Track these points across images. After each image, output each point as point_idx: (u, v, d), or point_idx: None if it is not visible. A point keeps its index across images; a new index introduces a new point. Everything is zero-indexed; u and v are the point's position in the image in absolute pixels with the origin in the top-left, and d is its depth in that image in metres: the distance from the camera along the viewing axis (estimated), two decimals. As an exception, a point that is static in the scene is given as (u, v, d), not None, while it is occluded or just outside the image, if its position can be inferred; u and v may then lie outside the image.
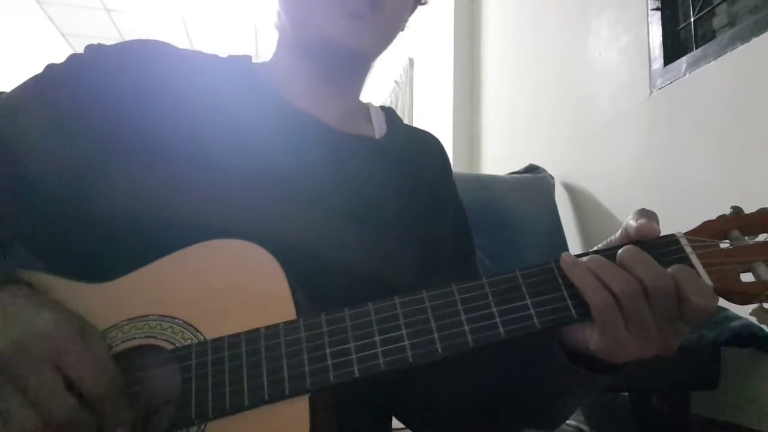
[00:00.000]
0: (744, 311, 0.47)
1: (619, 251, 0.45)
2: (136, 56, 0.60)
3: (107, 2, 4.41)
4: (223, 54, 0.69)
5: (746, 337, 1.20)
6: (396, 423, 0.65)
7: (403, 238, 0.62)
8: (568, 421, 1.78)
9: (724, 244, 0.48)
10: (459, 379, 0.58)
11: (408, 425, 0.64)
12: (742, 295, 0.46)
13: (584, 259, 0.46)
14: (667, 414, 1.33)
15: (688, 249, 0.47)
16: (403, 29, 0.68)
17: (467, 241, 0.72)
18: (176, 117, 0.57)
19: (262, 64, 0.68)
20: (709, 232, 0.49)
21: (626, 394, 1.42)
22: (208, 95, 0.60)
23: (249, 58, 0.68)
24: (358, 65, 0.66)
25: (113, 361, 0.43)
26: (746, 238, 0.49)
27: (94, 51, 0.60)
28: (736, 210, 0.50)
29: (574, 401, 0.54)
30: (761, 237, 0.49)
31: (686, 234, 0.49)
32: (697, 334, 1.21)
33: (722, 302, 1.30)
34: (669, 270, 0.44)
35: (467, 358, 0.57)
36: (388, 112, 0.74)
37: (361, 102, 0.73)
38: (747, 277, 0.47)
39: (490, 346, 0.45)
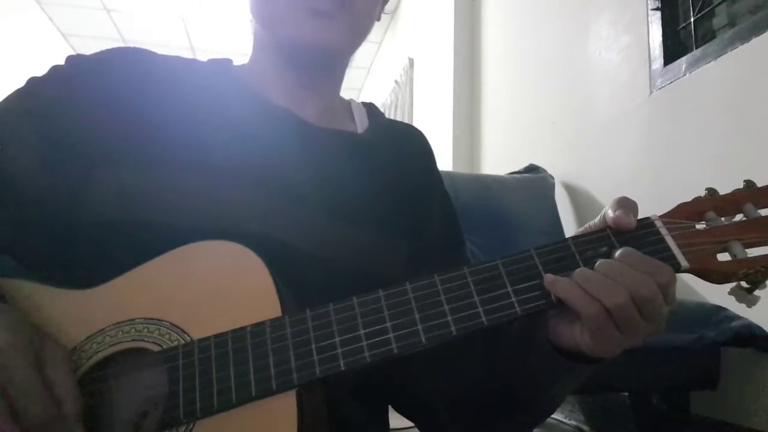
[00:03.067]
0: (743, 309, 0.48)
1: (597, 264, 0.46)
2: (117, 64, 0.61)
3: (107, 2, 4.41)
4: (224, 54, 0.69)
5: (746, 337, 1.20)
6: (395, 422, 0.65)
7: (389, 232, 0.62)
8: (568, 421, 1.78)
9: (700, 225, 0.49)
10: (454, 374, 0.58)
11: (409, 418, 0.65)
12: (719, 275, 0.47)
13: (572, 274, 0.46)
14: (667, 414, 1.33)
15: (663, 231, 0.48)
16: (379, 19, 0.68)
17: (455, 232, 0.72)
18: (159, 119, 0.58)
19: (242, 66, 0.69)
20: (684, 213, 0.49)
21: (626, 394, 1.42)
22: (190, 98, 0.60)
23: (229, 60, 0.69)
24: (331, 63, 0.66)
25: (74, 386, 0.42)
26: (722, 219, 0.49)
27: (75, 60, 0.61)
28: (711, 191, 0.51)
29: (565, 390, 0.55)
30: (737, 217, 0.49)
31: (661, 216, 0.49)
32: (697, 334, 1.21)
33: (721, 301, 1.29)
34: (647, 274, 0.44)
35: (461, 354, 0.57)
36: (369, 108, 0.74)
37: (342, 98, 0.73)
38: (724, 257, 0.47)
39: (475, 335, 0.46)
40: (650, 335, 0.46)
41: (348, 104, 0.74)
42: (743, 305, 0.47)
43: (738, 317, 1.22)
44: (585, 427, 1.70)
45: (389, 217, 0.63)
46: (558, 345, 0.49)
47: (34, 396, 0.40)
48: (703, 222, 0.49)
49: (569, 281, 0.45)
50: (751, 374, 1.29)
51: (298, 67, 0.63)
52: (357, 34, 0.63)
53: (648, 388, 1.32)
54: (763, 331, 1.21)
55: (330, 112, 0.68)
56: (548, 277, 0.46)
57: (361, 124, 0.70)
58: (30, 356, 0.41)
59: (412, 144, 0.73)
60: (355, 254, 0.58)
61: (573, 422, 1.74)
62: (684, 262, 0.46)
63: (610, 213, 0.49)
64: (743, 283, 0.47)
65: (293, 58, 0.63)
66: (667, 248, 0.47)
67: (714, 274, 0.47)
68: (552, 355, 0.49)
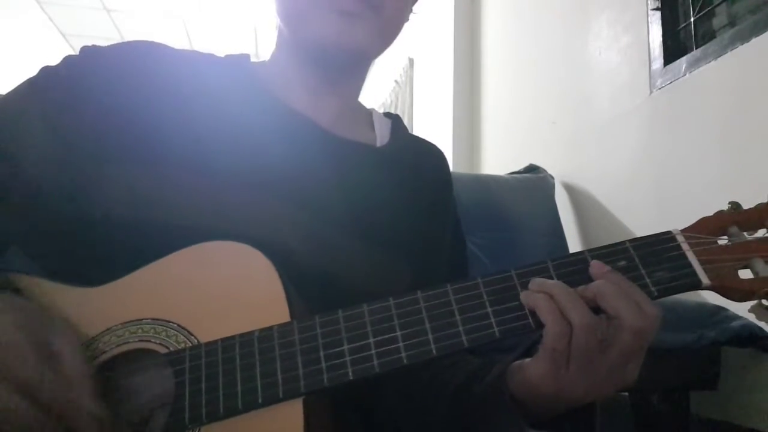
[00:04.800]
0: (743, 309, 0.47)
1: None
2: (132, 56, 0.60)
3: (107, 2, 4.41)
4: (223, 54, 0.68)
5: (746, 337, 1.20)
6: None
7: (397, 249, 0.60)
8: (568, 421, 1.77)
9: (722, 241, 0.48)
10: (423, 412, 0.57)
11: None
12: (740, 292, 0.46)
13: (549, 282, 0.45)
14: (667, 414, 1.32)
15: (685, 246, 0.47)
16: (407, 19, 0.66)
17: (462, 262, 0.71)
18: (173, 117, 0.57)
19: (261, 63, 0.68)
20: (706, 228, 0.48)
21: (626, 394, 1.42)
22: (205, 95, 0.59)
23: (247, 57, 0.67)
24: (356, 65, 0.65)
25: (83, 367, 0.42)
26: (745, 233, 0.48)
27: (90, 52, 0.60)
28: (734, 205, 0.50)
29: None
30: (760, 232, 0.48)
31: (683, 231, 0.48)
32: (697, 334, 1.21)
33: (722, 301, 1.29)
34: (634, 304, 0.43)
35: (432, 395, 0.56)
36: (395, 120, 0.73)
37: (363, 107, 0.72)
38: (746, 274, 0.46)
39: (486, 347, 0.45)
40: (618, 385, 0.45)
41: (369, 114, 0.72)
42: (743, 305, 0.46)
43: (738, 317, 1.22)
44: (585, 427, 1.69)
45: (399, 234, 0.62)
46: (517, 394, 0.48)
47: (43, 384, 0.39)
48: (725, 237, 0.48)
49: (545, 295, 0.44)
50: (751, 374, 1.29)
51: (322, 66, 0.62)
52: (384, 37, 0.62)
53: (648, 388, 1.32)
54: (763, 331, 1.21)
55: (348, 115, 0.67)
56: (524, 294, 0.46)
57: (381, 136, 0.69)
58: (34, 348, 0.40)
59: (432, 166, 0.72)
60: (358, 267, 0.57)
61: (573, 422, 1.74)
62: (705, 280, 0.45)
63: None
64: (764, 302, 0.45)
65: (317, 58, 0.61)
66: (689, 264, 0.46)
67: (735, 292, 0.46)
68: (509, 405, 0.48)
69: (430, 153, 0.74)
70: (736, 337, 1.20)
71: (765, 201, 0.49)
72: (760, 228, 0.48)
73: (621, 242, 0.48)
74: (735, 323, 1.21)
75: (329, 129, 0.63)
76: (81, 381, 0.41)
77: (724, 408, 1.33)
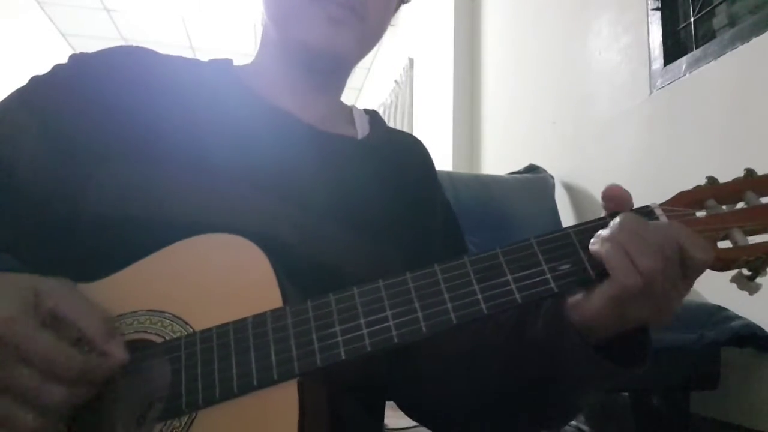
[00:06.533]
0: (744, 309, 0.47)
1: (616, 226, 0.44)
2: (120, 60, 0.61)
3: (107, 2, 4.41)
4: (224, 54, 0.70)
5: (746, 337, 1.20)
6: (395, 422, 0.65)
7: (387, 238, 0.62)
8: (568, 421, 1.78)
9: (700, 213, 0.48)
10: (470, 383, 0.57)
11: (424, 425, 0.64)
12: (720, 262, 0.46)
13: (612, 231, 0.44)
14: (667, 414, 1.33)
15: (663, 219, 0.48)
16: (385, 29, 0.69)
17: (459, 240, 0.72)
18: (164, 117, 0.58)
19: (244, 66, 0.69)
20: (684, 201, 0.49)
21: (626, 394, 1.42)
22: (194, 96, 0.61)
23: (230, 61, 0.69)
24: (337, 69, 0.68)
25: (81, 311, 0.43)
26: (723, 207, 0.49)
27: (78, 59, 0.61)
28: (711, 180, 0.50)
29: (589, 395, 0.53)
30: (738, 205, 0.49)
31: (661, 204, 0.49)
32: (697, 334, 1.21)
33: (722, 301, 1.29)
34: (666, 230, 0.43)
35: (478, 363, 0.56)
36: (372, 115, 0.75)
37: (343, 104, 0.74)
38: (725, 246, 0.47)
39: (475, 323, 0.46)
40: (666, 312, 0.45)
41: (349, 110, 0.74)
42: (743, 305, 0.47)
43: (738, 317, 1.22)
44: (585, 427, 1.70)
45: (388, 222, 0.63)
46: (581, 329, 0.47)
47: (57, 354, 0.40)
48: (704, 210, 0.49)
49: (618, 245, 0.43)
50: (751, 374, 1.29)
51: (306, 68, 0.64)
52: (367, 44, 0.65)
53: (648, 388, 1.32)
54: (763, 331, 1.21)
55: (332, 115, 0.69)
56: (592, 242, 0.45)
57: (361, 129, 0.70)
58: (31, 316, 0.41)
59: (412, 153, 0.74)
60: (350, 257, 0.58)
61: (573, 422, 1.74)
62: None
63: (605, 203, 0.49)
64: (744, 271, 0.46)
65: (302, 60, 0.63)
66: None
67: (715, 262, 0.46)
68: (583, 350, 0.47)
69: (408, 142, 0.76)
70: (736, 337, 1.20)
71: (742, 175, 0.50)
72: (738, 201, 0.49)
73: (602, 217, 0.49)
74: (735, 323, 1.21)
75: (314, 125, 0.64)
76: (93, 330, 0.42)
77: (724, 408, 1.33)
